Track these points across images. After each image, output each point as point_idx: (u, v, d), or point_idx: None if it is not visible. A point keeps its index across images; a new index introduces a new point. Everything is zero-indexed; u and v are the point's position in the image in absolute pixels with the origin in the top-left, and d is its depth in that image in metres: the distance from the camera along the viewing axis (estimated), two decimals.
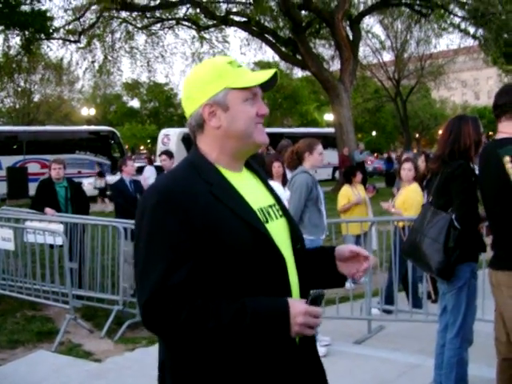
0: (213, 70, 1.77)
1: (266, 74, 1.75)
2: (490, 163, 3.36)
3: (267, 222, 1.74)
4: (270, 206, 1.82)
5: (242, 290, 1.64)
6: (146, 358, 5.19)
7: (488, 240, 4.19)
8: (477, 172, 3.65)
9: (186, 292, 1.58)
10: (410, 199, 6.68)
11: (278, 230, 1.77)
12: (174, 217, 1.61)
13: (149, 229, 1.64)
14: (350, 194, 8.23)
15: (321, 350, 4.99)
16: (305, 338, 1.73)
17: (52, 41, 24.63)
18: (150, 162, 18.46)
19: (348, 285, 7.77)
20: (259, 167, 1.98)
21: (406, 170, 6.90)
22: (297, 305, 1.63)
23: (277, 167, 5.87)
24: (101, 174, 20.54)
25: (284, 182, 5.85)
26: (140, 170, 15.83)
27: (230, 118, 1.73)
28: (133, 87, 56.74)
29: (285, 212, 1.86)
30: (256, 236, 1.67)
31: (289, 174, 5.82)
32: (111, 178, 20.50)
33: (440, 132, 4.16)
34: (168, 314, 1.57)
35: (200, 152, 1.78)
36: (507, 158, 3.15)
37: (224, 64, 1.77)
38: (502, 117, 3.37)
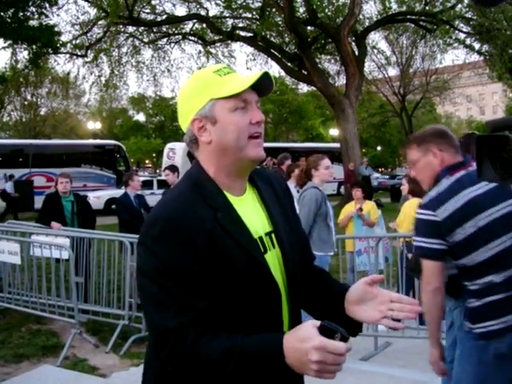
0: (198, 82, 1.66)
1: (252, 78, 1.59)
2: None
3: (266, 252, 1.67)
4: (267, 234, 1.70)
5: (236, 318, 1.57)
6: None
7: None
8: None
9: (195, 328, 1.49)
10: (402, 214, 6.66)
11: (273, 260, 1.68)
12: (179, 248, 1.52)
13: (154, 263, 1.54)
14: (346, 210, 8.17)
15: None
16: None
17: (59, 55, 24.90)
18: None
19: None
20: (266, 184, 1.81)
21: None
22: (308, 334, 1.38)
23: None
24: None
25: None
26: (145, 184, 15.87)
27: (220, 130, 1.60)
28: (139, 101, 57.34)
29: (279, 240, 1.72)
30: (255, 266, 1.60)
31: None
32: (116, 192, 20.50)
33: None
34: (174, 351, 1.49)
35: (200, 168, 1.67)
36: None
37: (209, 74, 1.65)
38: None
